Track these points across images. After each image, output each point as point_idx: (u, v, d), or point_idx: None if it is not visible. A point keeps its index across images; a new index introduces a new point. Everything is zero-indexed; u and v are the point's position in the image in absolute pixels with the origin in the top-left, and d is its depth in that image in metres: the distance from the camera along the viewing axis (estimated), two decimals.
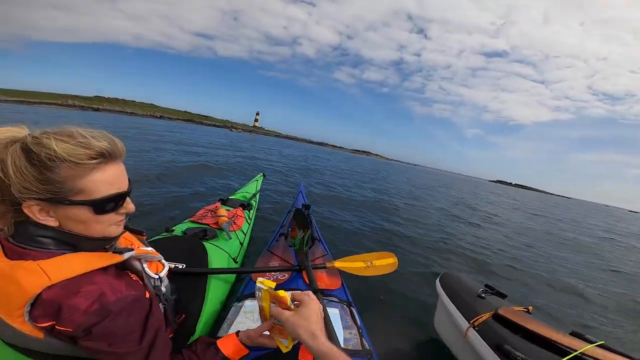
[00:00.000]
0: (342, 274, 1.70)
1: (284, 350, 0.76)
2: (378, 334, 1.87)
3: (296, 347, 0.91)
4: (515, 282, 3.71)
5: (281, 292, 0.71)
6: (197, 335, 1.14)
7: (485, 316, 1.50)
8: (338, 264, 1.65)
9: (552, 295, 3.53)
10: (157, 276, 0.84)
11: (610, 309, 3.36)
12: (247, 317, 1.17)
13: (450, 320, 1.68)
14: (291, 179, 8.64)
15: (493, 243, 5.57)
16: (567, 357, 1.38)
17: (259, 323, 0.84)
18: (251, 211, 2.80)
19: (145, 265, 0.82)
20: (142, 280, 0.78)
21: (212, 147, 13.90)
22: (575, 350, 1.40)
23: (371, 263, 1.73)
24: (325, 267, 1.63)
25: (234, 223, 2.14)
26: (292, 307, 0.70)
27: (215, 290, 1.41)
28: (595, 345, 1.50)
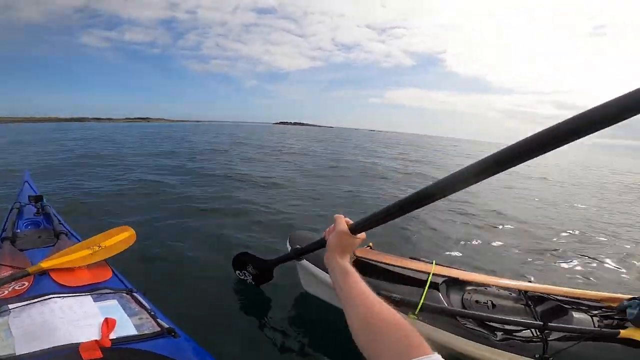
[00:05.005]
0: (112, 261, 1.56)
1: None
2: (184, 309, 1.80)
3: None
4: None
5: None
6: None
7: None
8: (45, 263, 1.35)
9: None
10: None
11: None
12: None
13: (317, 280, 1.75)
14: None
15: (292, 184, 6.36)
16: (428, 282, 1.62)
17: (7, 343, 0.87)
18: None
19: None
20: None
21: None
22: (428, 273, 1.66)
23: (99, 246, 1.54)
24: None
25: None
26: None
27: None
28: (435, 264, 1.78)
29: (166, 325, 1.08)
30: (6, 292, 1.18)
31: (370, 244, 1.88)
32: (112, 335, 0.96)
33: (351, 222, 0.78)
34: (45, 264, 1.35)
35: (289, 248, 1.89)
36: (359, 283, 0.62)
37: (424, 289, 1.56)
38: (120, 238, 1.67)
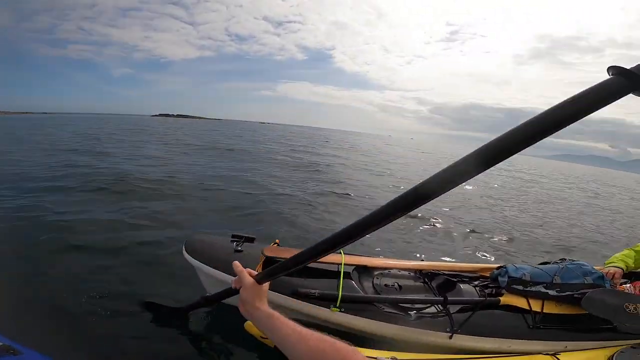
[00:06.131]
0: None
1: None
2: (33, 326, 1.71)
3: None
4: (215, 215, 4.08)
5: None
6: None
7: (259, 266, 1.57)
8: None
9: (265, 216, 4.16)
10: None
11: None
12: None
13: (219, 280, 1.64)
14: None
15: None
16: (342, 274, 1.62)
17: None
18: None
19: None
20: None
21: None
22: (339, 264, 1.66)
23: None
24: None
25: None
26: None
27: None
28: (344, 254, 1.77)
29: (7, 344, 0.97)
30: None
31: (277, 241, 1.88)
32: None
33: (254, 272, 0.79)
34: None
35: (186, 255, 1.81)
36: (285, 323, 0.65)
37: (338, 280, 1.57)
38: None
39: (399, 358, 1.20)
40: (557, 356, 1.39)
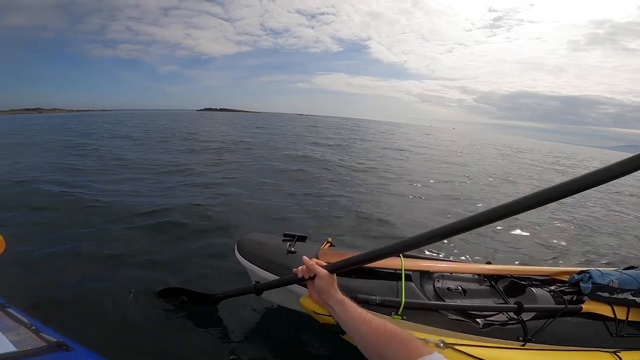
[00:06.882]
0: None
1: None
2: (81, 322, 1.76)
3: None
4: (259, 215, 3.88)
5: None
6: None
7: None
8: None
9: (316, 213, 3.99)
10: None
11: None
12: None
13: (279, 290, 1.56)
14: None
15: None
16: (403, 279, 1.50)
17: None
18: None
19: None
20: None
21: None
22: (400, 270, 1.56)
23: None
24: None
25: None
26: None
27: None
28: (404, 257, 1.64)
29: (53, 339, 1.00)
30: None
31: (329, 240, 1.80)
32: None
33: (323, 263, 0.88)
34: None
35: (238, 256, 1.73)
36: (353, 307, 0.75)
37: (399, 285, 1.49)
38: None
39: (446, 341, 1.22)
40: None
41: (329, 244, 1.79)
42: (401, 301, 1.39)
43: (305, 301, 1.34)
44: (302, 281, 0.98)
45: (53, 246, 2.70)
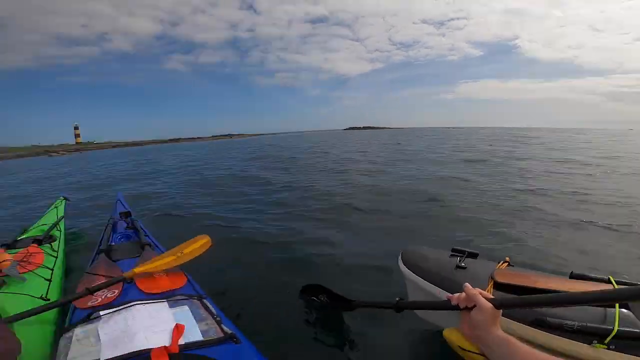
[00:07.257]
0: (186, 268, 1.68)
1: None
2: (250, 315, 1.90)
3: None
4: (444, 228, 3.58)
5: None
6: None
7: (487, 290, 1.34)
8: (139, 269, 1.52)
9: (492, 231, 3.38)
10: None
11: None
12: (82, 345, 1.04)
13: (425, 294, 1.51)
14: (115, 188, 7.41)
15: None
16: (617, 304, 1.20)
17: (95, 349, 0.97)
18: (55, 242, 2.52)
19: None
20: None
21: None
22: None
23: (182, 252, 1.72)
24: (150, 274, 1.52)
25: (28, 262, 1.95)
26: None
27: (30, 335, 1.24)
28: (615, 281, 1.38)
29: (229, 331, 1.10)
30: (99, 299, 1.30)
31: (507, 258, 1.60)
32: (181, 341, 1.00)
33: (488, 295, 0.75)
34: (136, 270, 1.50)
35: (402, 266, 1.66)
36: (524, 350, 0.62)
37: (609, 311, 1.20)
38: (199, 244, 1.83)
39: None
40: None
41: (506, 263, 1.58)
42: (612, 329, 1.13)
43: (451, 334, 1.19)
44: (453, 309, 0.83)
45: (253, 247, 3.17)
